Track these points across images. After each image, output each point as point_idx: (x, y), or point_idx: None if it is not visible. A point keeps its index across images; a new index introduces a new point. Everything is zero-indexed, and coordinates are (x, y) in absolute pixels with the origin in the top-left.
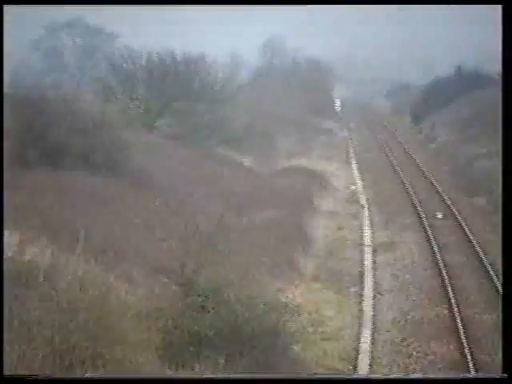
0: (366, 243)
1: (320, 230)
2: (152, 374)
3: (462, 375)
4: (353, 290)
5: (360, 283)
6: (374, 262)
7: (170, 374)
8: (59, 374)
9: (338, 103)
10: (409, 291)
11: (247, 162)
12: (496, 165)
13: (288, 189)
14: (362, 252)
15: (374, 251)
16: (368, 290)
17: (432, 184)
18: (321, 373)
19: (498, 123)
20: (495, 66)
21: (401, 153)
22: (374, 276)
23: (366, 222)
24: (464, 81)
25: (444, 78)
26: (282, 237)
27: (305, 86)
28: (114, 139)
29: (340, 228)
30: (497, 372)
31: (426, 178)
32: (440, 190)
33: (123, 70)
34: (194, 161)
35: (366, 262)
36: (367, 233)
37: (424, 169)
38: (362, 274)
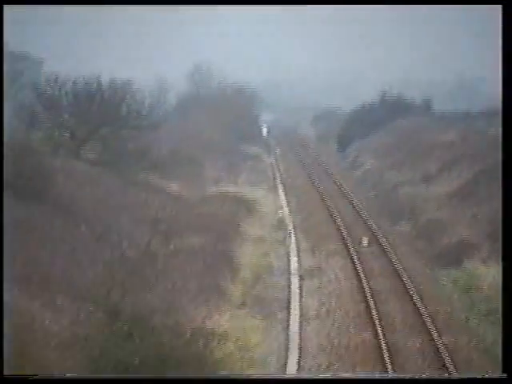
0: (293, 269)
1: (247, 256)
2: (152, 374)
3: (462, 375)
4: (280, 316)
5: (287, 309)
6: (301, 288)
7: (169, 374)
8: (59, 374)
9: (264, 129)
10: (335, 317)
11: (173, 188)
12: (419, 191)
13: (215, 215)
14: (288, 278)
15: (301, 277)
16: (295, 317)
17: (358, 210)
18: (320, 373)
19: (420, 150)
20: (418, 93)
21: (327, 179)
22: (301, 302)
23: (293, 248)
24: (388, 108)
25: (368, 104)
26: (208, 263)
27: (231, 112)
28: (37, 166)
29: (267, 254)
30: (497, 372)
31: (352, 203)
32: (366, 215)
33: (48, 95)
34: (119, 187)
35: (292, 288)
36: (294, 259)
37: (350, 195)
38: (288, 300)
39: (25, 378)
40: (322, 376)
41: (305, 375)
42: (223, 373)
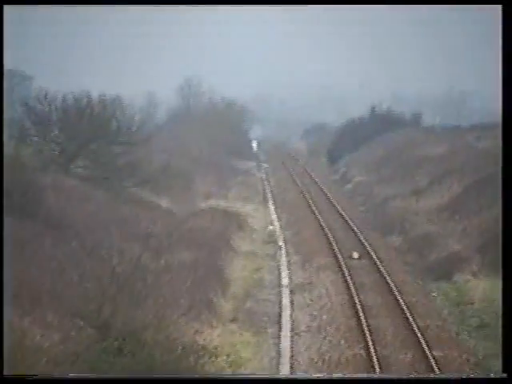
0: (284, 284)
1: (238, 270)
2: (152, 374)
3: (462, 375)
4: (270, 331)
5: (278, 324)
6: (292, 302)
7: (169, 374)
8: (59, 374)
9: (254, 144)
10: (326, 331)
11: (164, 203)
12: (409, 205)
13: (205, 230)
14: (279, 293)
15: (292, 292)
16: (285, 331)
17: (348, 224)
18: (320, 373)
19: (409, 164)
20: (407, 108)
21: (317, 193)
22: (292, 317)
23: (284, 263)
24: (377, 122)
25: (358, 118)
26: (199, 278)
27: (221, 126)
28: (28, 182)
29: (258, 269)
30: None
31: (342, 218)
32: (356, 230)
33: (38, 111)
34: (110, 202)
35: (283, 303)
36: (285, 273)
37: (340, 209)
38: (279, 315)
39: (25, 378)
40: (316, 376)
41: (299, 375)
42: None
